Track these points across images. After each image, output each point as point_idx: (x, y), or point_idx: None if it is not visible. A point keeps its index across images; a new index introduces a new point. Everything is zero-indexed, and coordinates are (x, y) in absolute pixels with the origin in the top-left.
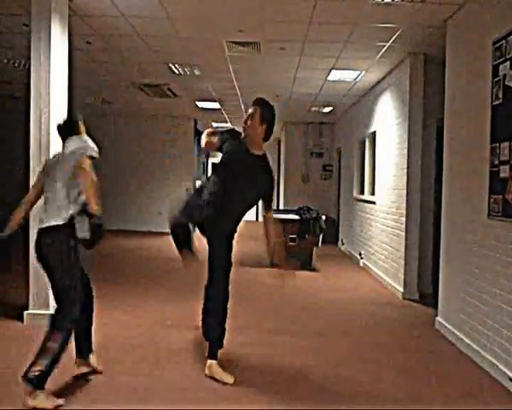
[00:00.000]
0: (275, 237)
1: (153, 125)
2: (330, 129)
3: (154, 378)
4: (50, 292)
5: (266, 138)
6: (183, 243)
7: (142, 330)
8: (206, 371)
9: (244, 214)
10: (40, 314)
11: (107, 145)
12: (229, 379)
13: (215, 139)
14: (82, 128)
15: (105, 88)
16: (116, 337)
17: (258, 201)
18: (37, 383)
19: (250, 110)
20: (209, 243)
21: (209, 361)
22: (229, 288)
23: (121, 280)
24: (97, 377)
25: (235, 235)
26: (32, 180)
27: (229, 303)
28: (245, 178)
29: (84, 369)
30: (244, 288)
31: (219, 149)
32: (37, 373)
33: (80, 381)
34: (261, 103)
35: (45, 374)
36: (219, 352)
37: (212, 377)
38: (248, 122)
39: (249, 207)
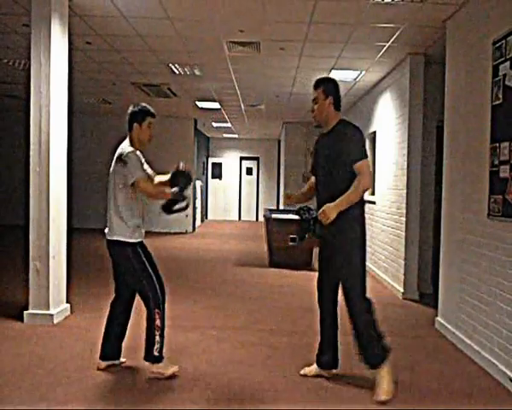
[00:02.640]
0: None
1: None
2: None
3: (155, 378)
4: (50, 292)
5: (338, 107)
6: None
7: (142, 331)
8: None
9: (338, 190)
10: (40, 314)
11: (107, 145)
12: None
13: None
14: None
15: (105, 88)
16: None
17: (343, 170)
18: (160, 356)
19: (312, 96)
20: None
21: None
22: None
23: None
24: (97, 377)
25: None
26: (32, 180)
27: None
28: (322, 160)
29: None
30: (244, 288)
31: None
32: (157, 350)
33: (79, 381)
34: (319, 83)
35: (162, 347)
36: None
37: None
38: (314, 107)
39: (341, 181)
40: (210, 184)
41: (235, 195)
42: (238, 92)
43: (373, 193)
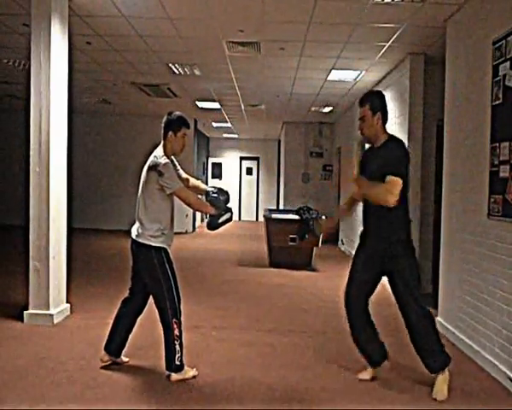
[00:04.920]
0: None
1: (153, 125)
2: (330, 129)
3: (156, 378)
4: (50, 292)
5: (385, 121)
6: None
7: (143, 331)
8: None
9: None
10: (40, 314)
11: (107, 145)
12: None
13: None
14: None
15: (105, 88)
16: None
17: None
18: (181, 364)
19: (359, 114)
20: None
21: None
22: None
23: (121, 280)
24: (97, 377)
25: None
26: (32, 180)
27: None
28: (369, 173)
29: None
30: (244, 288)
31: None
32: (178, 359)
33: (79, 381)
34: (365, 100)
35: (182, 355)
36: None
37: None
38: (362, 126)
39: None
40: (210, 185)
41: (235, 195)
42: (238, 92)
43: None
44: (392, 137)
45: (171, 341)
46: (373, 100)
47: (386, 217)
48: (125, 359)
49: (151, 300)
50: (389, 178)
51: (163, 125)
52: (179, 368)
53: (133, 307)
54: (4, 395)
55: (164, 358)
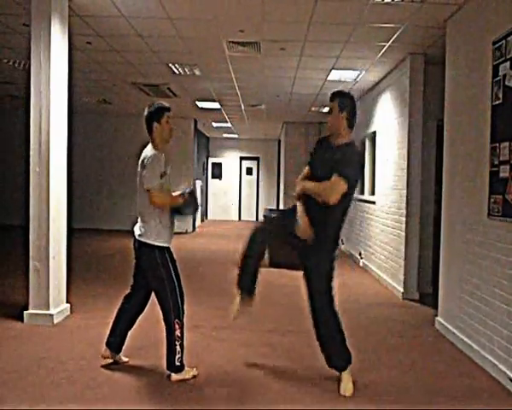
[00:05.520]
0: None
1: None
2: None
3: (156, 378)
4: (50, 292)
5: (350, 125)
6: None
7: (143, 331)
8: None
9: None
10: (40, 314)
11: (107, 145)
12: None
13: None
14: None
15: (105, 88)
16: None
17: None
18: (181, 365)
19: (328, 107)
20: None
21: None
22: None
23: (121, 280)
24: (97, 377)
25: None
26: (32, 180)
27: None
28: (319, 170)
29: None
30: None
31: None
32: (178, 360)
33: (79, 381)
34: (336, 96)
35: (182, 356)
36: None
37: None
38: (329, 119)
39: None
40: (210, 184)
41: (235, 195)
42: (238, 92)
43: (373, 193)
44: (352, 144)
45: (172, 341)
46: (342, 99)
47: (322, 214)
48: (124, 359)
49: (152, 300)
50: (336, 177)
51: (145, 119)
52: (179, 369)
53: (134, 304)
54: (4, 395)
55: (165, 358)
